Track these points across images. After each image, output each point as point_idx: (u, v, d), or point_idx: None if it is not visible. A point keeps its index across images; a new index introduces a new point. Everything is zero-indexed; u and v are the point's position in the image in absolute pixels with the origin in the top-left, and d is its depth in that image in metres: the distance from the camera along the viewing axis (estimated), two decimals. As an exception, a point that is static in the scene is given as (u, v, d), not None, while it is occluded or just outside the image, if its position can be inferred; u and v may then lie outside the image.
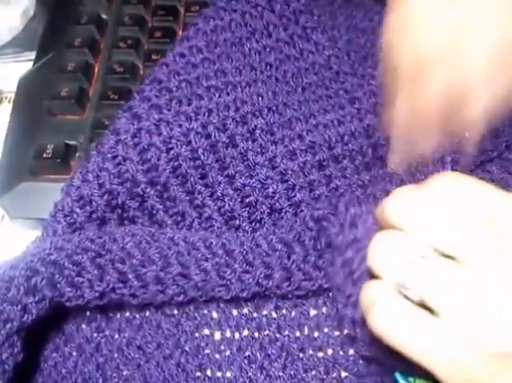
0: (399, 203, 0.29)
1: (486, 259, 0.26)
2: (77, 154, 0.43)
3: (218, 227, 0.37)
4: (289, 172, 0.37)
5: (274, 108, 0.39)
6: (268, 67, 0.41)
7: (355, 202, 0.34)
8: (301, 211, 0.37)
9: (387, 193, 0.36)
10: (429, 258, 0.27)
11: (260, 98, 0.39)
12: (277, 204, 0.37)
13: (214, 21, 0.42)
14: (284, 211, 0.37)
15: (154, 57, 0.46)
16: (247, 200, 0.37)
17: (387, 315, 0.28)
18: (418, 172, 0.37)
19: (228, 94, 0.39)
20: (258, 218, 0.37)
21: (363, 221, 0.32)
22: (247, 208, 0.37)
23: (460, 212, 0.28)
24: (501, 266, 0.26)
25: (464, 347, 0.26)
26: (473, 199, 0.28)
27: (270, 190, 0.37)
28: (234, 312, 0.37)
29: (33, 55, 0.49)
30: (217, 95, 0.39)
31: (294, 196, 0.37)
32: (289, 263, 0.34)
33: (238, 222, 0.37)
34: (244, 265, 0.34)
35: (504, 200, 0.28)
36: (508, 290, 0.26)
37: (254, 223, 0.37)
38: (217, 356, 0.36)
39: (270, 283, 0.34)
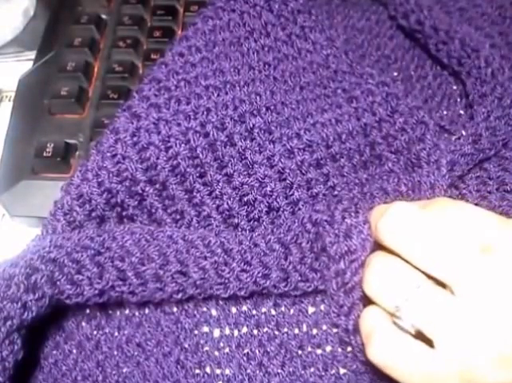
0: (394, 223, 0.29)
1: (479, 288, 0.26)
2: (77, 153, 0.43)
3: (216, 226, 0.38)
4: (287, 171, 0.37)
5: (272, 108, 0.39)
6: (266, 66, 0.41)
7: (352, 209, 0.34)
8: (299, 209, 0.37)
9: (384, 192, 0.36)
10: (424, 288, 0.28)
11: (258, 97, 0.39)
12: (275, 203, 0.37)
13: (213, 21, 0.42)
14: (282, 209, 0.37)
15: (153, 56, 0.47)
16: (245, 199, 0.37)
17: (384, 349, 0.28)
18: (414, 173, 0.37)
19: (226, 93, 0.39)
20: (256, 216, 0.37)
21: (358, 232, 0.32)
22: (245, 207, 0.37)
23: (456, 239, 0.28)
24: (494, 295, 0.26)
25: (460, 378, 0.26)
26: (470, 225, 0.28)
27: (268, 188, 0.37)
28: (233, 309, 0.37)
29: (33, 54, 0.50)
30: (215, 94, 0.39)
31: (292, 195, 0.37)
32: (286, 264, 0.34)
33: (236, 220, 0.37)
34: (242, 264, 0.34)
35: (501, 227, 0.28)
36: (501, 320, 0.26)
37: (252, 222, 0.37)
38: (216, 353, 0.36)
39: (268, 283, 0.34)
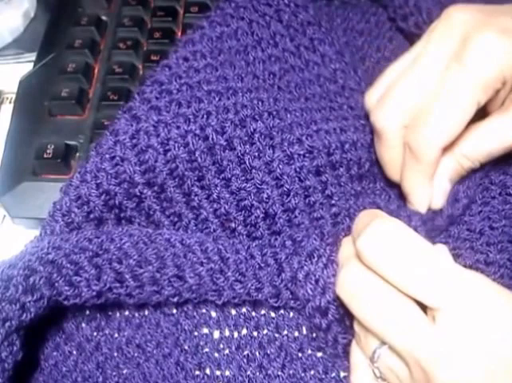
0: (345, 290, 0.29)
1: (423, 363, 0.26)
2: (77, 154, 0.43)
3: (213, 229, 0.38)
4: (285, 177, 0.37)
5: (275, 113, 0.38)
6: (271, 76, 0.41)
7: (317, 253, 0.34)
8: (295, 217, 0.37)
9: (377, 207, 0.36)
10: (380, 358, 0.28)
11: (260, 103, 0.39)
12: (271, 209, 0.37)
13: (221, 28, 0.42)
14: (278, 216, 0.37)
15: (153, 57, 0.47)
16: (242, 204, 0.37)
17: None
18: None
19: (228, 98, 0.39)
20: (253, 222, 0.37)
21: (314, 280, 0.33)
22: (242, 212, 0.37)
23: (399, 304, 0.27)
24: (439, 369, 0.26)
25: None
26: (412, 282, 0.27)
27: (265, 195, 0.37)
28: (233, 311, 0.37)
29: (33, 56, 0.50)
30: (217, 98, 0.38)
31: (289, 202, 0.37)
32: (279, 281, 0.34)
33: (233, 224, 0.37)
34: (237, 274, 0.34)
35: (449, 288, 0.26)
36: None
37: (248, 227, 0.37)
38: (216, 355, 0.36)
39: (260, 296, 0.34)
